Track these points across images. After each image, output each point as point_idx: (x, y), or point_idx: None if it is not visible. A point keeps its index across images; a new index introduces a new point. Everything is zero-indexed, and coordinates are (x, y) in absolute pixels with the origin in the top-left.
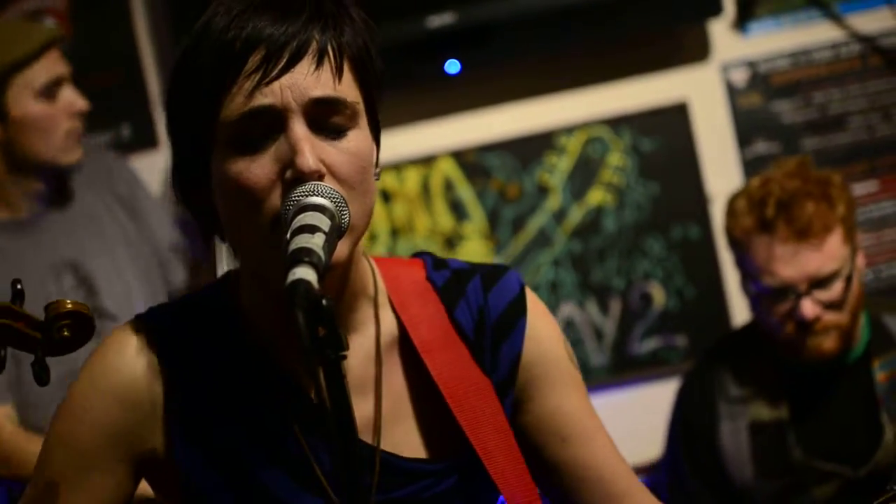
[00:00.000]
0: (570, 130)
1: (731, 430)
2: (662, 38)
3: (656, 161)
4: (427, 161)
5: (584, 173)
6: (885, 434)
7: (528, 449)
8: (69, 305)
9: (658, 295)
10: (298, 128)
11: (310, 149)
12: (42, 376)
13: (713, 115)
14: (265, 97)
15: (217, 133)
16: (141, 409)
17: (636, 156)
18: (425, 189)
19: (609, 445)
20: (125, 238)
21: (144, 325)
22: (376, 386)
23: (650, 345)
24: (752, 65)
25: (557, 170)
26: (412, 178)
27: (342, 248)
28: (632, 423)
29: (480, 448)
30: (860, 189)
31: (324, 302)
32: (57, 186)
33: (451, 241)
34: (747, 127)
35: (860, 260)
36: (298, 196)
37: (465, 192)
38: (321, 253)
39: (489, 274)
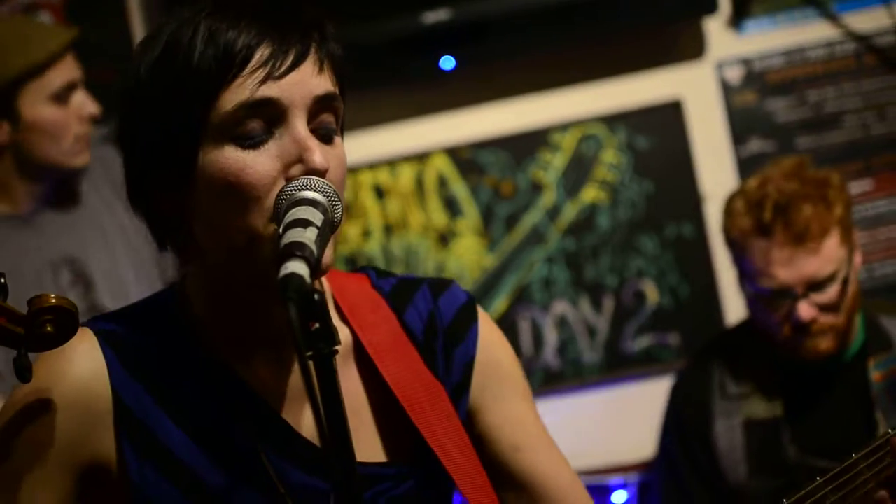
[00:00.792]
0: (564, 127)
1: (725, 428)
2: (657, 35)
3: (650, 159)
4: (421, 157)
5: (578, 171)
6: (879, 432)
7: (483, 459)
8: (53, 300)
9: (651, 293)
10: (302, 125)
11: (317, 145)
12: (24, 373)
13: (708, 113)
14: (271, 90)
15: (209, 126)
16: (88, 417)
17: (630, 153)
18: (419, 185)
19: (560, 456)
20: (123, 234)
21: (90, 333)
22: None
23: (643, 343)
24: (746, 63)
25: (551, 167)
26: (406, 174)
27: (328, 251)
28: (624, 421)
29: (437, 448)
30: (855, 188)
31: (315, 297)
32: (63, 188)
33: (445, 238)
34: (742, 125)
35: (857, 259)
36: (291, 190)
37: (459, 189)
38: (313, 247)
39: (436, 282)
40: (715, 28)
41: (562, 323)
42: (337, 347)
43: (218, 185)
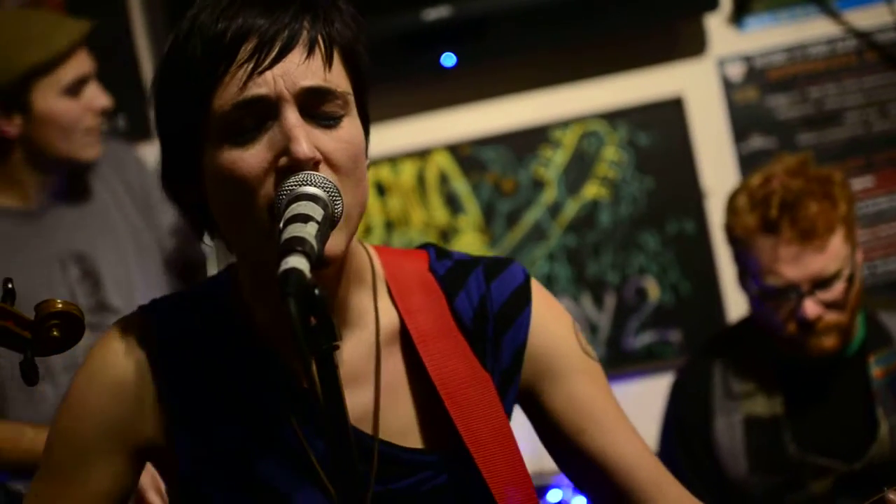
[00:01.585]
0: (565, 124)
1: (725, 425)
2: (659, 32)
3: (652, 155)
4: (422, 154)
5: (580, 167)
6: (880, 429)
7: (549, 441)
8: (59, 305)
9: (653, 290)
10: (291, 115)
11: (304, 136)
12: (31, 376)
13: (709, 110)
14: (258, 87)
15: (209, 125)
16: (137, 402)
17: (632, 150)
18: (420, 182)
19: (629, 434)
20: (133, 231)
21: (143, 317)
22: (375, 377)
23: (644, 339)
24: (748, 59)
25: (553, 163)
26: (407, 170)
27: (338, 240)
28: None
29: (471, 440)
30: (856, 184)
31: (316, 291)
32: (72, 182)
33: (446, 235)
34: (743, 122)
35: (859, 256)
36: (291, 185)
37: (461, 186)
38: (314, 242)
39: (492, 264)
40: (716, 25)
41: None
42: (337, 343)
43: (217, 182)
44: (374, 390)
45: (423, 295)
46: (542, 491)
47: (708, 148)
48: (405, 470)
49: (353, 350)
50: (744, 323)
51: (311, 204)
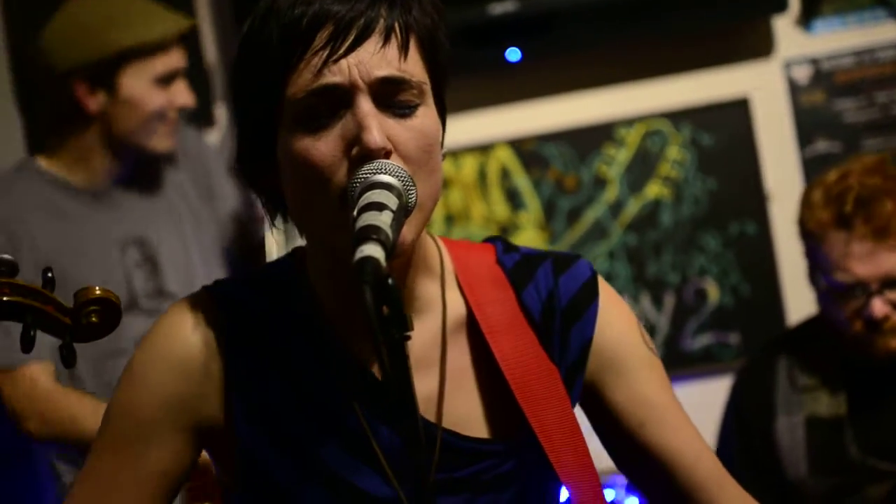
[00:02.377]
0: (629, 122)
1: (787, 425)
2: (726, 32)
3: (715, 156)
4: (484, 149)
5: (643, 166)
6: None
7: (609, 435)
8: (98, 292)
9: (713, 291)
10: (365, 105)
11: (376, 125)
12: (69, 360)
13: (774, 112)
14: (333, 75)
15: (284, 111)
16: (201, 380)
17: (695, 150)
18: (482, 177)
19: (691, 431)
20: (194, 219)
21: (210, 295)
22: (440, 366)
23: (703, 341)
24: (815, 62)
25: (615, 162)
26: (469, 165)
27: (410, 229)
28: None
29: (540, 430)
30: None
31: (389, 281)
32: (141, 170)
33: (506, 230)
34: (808, 125)
35: None
36: (365, 174)
37: (522, 182)
38: (388, 231)
39: (560, 259)
40: (784, 27)
41: None
42: (409, 334)
43: (290, 168)
44: (439, 378)
45: (492, 287)
46: None
47: (772, 150)
48: (468, 458)
49: (419, 338)
50: (810, 322)
51: (386, 192)
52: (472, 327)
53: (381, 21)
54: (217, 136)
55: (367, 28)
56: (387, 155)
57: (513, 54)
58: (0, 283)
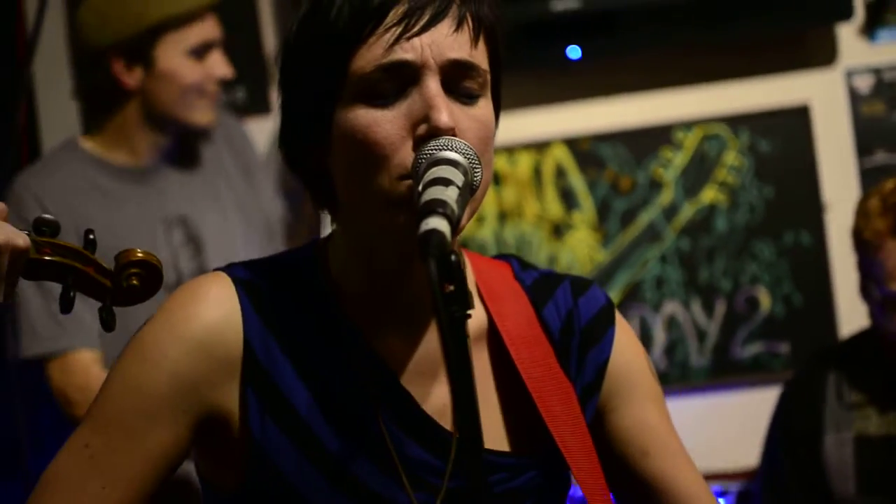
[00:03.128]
0: (688, 126)
1: (836, 441)
2: (789, 39)
3: (773, 163)
4: (540, 146)
5: (699, 171)
6: None
7: (610, 461)
8: (140, 254)
9: (764, 300)
10: (434, 84)
11: (445, 106)
12: (109, 323)
13: (834, 121)
14: (405, 52)
15: (346, 84)
16: (218, 362)
17: (753, 157)
18: (537, 174)
19: (690, 463)
20: (238, 202)
21: (228, 278)
22: None
23: (752, 350)
24: (877, 72)
25: (672, 165)
26: (524, 162)
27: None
28: (729, 427)
29: (562, 444)
30: None
31: (452, 258)
32: (184, 145)
33: (559, 229)
34: (868, 135)
35: None
36: (432, 150)
37: (577, 181)
38: (455, 206)
39: (578, 282)
40: (847, 35)
41: (671, 324)
42: (470, 312)
43: (349, 144)
44: None
45: (513, 301)
46: None
47: (830, 160)
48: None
49: (437, 344)
50: (862, 334)
51: (452, 168)
52: (493, 338)
53: (455, 7)
54: (272, 124)
55: (441, 11)
56: (452, 135)
57: (573, 52)
58: (41, 243)
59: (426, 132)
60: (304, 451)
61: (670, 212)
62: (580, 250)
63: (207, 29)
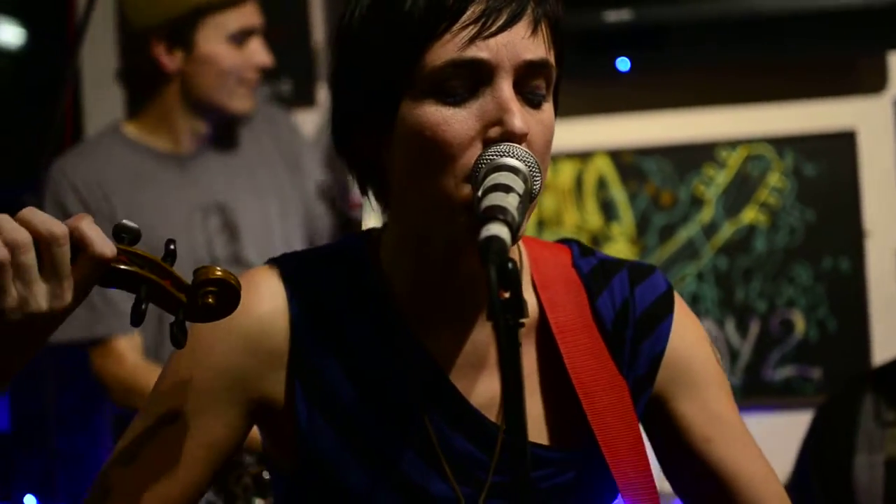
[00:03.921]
0: (732, 145)
1: (867, 464)
2: (839, 63)
3: (816, 187)
4: (583, 156)
5: (741, 190)
6: None
7: (670, 449)
8: (219, 273)
9: (799, 323)
10: (507, 87)
11: (519, 109)
12: (179, 339)
13: (881, 148)
14: (480, 50)
15: (415, 78)
16: (265, 355)
17: (796, 179)
18: (578, 184)
19: (757, 451)
20: (278, 191)
21: (277, 270)
22: None
23: (784, 373)
24: None
25: (714, 183)
26: (566, 171)
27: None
28: None
29: (604, 442)
30: None
31: (510, 265)
32: (223, 132)
33: (597, 241)
34: None
35: None
36: (493, 155)
37: (618, 193)
38: (515, 213)
39: (637, 268)
40: None
41: None
42: (523, 321)
43: (414, 139)
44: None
45: (566, 290)
46: None
47: (874, 187)
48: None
49: (488, 335)
50: None
51: (513, 175)
52: (543, 328)
53: (531, 11)
54: (317, 117)
55: (518, 13)
56: (521, 141)
57: (622, 64)
58: (119, 250)
59: (499, 135)
60: (348, 441)
61: (710, 230)
62: None
63: (248, 15)
